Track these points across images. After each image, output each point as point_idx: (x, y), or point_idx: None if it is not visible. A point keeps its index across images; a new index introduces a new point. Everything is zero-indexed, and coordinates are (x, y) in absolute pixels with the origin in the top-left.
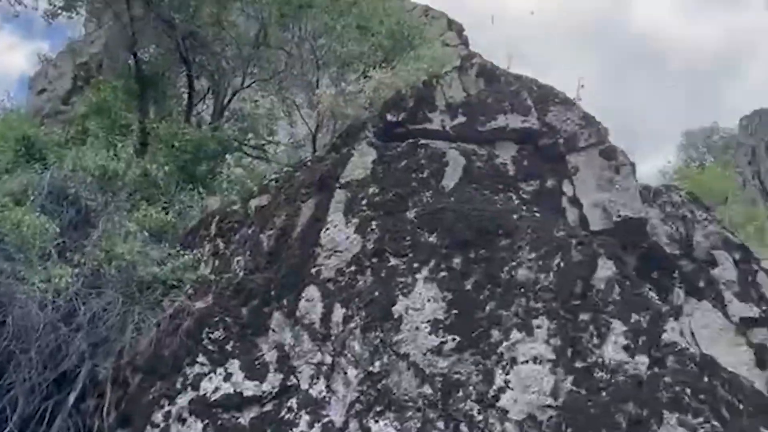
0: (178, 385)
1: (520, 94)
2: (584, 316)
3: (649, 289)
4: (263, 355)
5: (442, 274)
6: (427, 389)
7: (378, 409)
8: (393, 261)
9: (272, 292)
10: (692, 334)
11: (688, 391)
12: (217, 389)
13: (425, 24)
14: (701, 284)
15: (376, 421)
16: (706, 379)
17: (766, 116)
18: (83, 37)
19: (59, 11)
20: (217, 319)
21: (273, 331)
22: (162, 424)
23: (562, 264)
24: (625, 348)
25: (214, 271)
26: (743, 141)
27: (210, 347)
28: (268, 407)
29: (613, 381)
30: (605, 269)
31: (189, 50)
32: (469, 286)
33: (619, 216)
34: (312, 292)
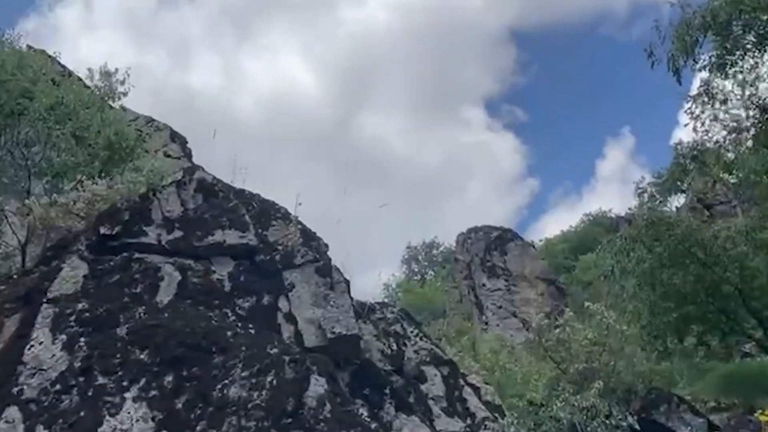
0: None
1: (239, 209)
2: None
3: (361, 405)
4: None
5: (153, 392)
6: None
7: None
8: (101, 379)
9: None
10: None
11: None
12: None
13: (147, 135)
14: (411, 399)
15: None
16: None
17: (480, 233)
18: None
19: None
20: None
21: None
22: None
23: (274, 382)
24: None
25: None
26: (459, 257)
27: None
28: None
29: None
30: (317, 386)
31: None
32: (180, 405)
33: (333, 333)
34: (13, 413)
